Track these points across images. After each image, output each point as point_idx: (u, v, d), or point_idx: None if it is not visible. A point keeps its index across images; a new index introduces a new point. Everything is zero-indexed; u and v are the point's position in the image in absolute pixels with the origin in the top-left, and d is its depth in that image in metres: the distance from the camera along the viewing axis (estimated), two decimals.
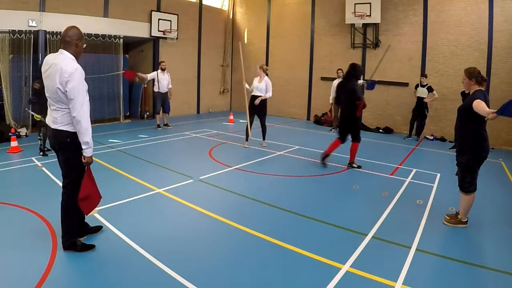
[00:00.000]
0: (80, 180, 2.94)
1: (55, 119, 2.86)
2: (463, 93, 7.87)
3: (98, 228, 3.47)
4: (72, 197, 2.96)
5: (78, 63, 2.87)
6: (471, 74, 3.77)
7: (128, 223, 3.73)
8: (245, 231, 3.68)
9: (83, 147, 2.82)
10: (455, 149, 6.31)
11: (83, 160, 2.88)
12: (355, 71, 6.11)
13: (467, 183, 3.82)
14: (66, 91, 2.71)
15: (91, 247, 3.13)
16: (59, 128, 2.85)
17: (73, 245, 3.04)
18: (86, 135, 2.78)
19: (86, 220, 3.38)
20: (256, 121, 7.85)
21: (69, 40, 2.80)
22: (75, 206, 2.98)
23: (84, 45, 2.95)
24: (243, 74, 7.82)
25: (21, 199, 4.20)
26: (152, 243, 3.31)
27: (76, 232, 3.11)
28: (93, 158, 3.01)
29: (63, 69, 2.69)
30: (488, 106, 3.67)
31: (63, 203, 3.01)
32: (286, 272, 2.94)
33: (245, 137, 7.90)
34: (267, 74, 7.77)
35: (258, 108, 7.60)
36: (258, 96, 7.50)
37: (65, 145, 2.88)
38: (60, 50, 2.84)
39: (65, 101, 2.77)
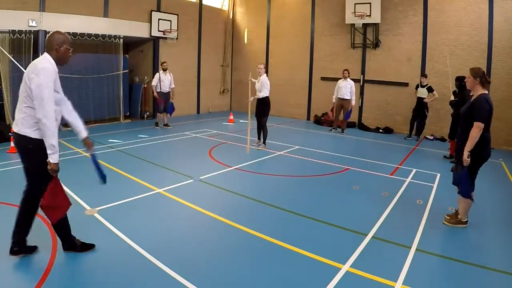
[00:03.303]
0: (41, 186, 2.77)
1: (16, 121, 2.73)
2: (454, 93, 7.70)
3: (33, 248, 3.02)
4: (29, 202, 2.87)
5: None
6: (476, 73, 3.74)
7: (128, 223, 3.73)
8: (245, 231, 3.68)
9: (48, 151, 2.62)
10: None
11: (48, 167, 2.66)
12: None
13: None
14: (31, 88, 2.59)
15: (91, 246, 3.13)
16: (20, 132, 2.69)
17: (72, 246, 3.04)
18: (52, 137, 2.60)
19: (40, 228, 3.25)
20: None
21: (49, 46, 2.75)
22: (29, 212, 2.90)
23: (71, 50, 2.85)
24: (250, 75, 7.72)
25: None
26: (152, 243, 3.31)
27: (70, 232, 3.03)
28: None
29: (34, 66, 2.64)
30: (492, 111, 3.67)
31: (20, 207, 2.89)
32: (286, 272, 2.94)
33: (257, 135, 7.86)
34: (266, 72, 7.67)
35: (257, 109, 7.49)
36: (257, 97, 7.38)
37: (27, 151, 2.73)
38: (44, 53, 2.79)
39: (31, 100, 2.63)
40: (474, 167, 3.76)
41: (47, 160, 2.67)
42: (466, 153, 3.58)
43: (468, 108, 3.73)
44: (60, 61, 2.81)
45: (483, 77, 3.73)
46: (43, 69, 2.62)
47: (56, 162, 2.68)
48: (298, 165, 6.57)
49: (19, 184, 5.00)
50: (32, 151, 2.71)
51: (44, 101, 2.58)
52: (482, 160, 3.74)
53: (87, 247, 3.12)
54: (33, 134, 2.67)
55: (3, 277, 2.69)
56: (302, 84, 12.62)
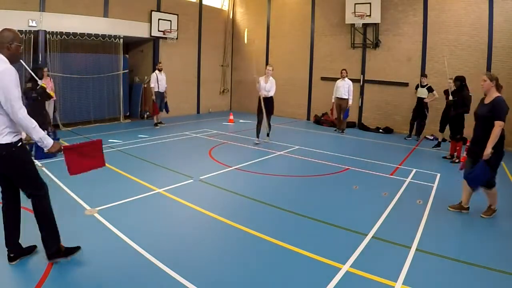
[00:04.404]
0: (40, 181, 2.81)
1: None
2: (452, 93, 7.50)
3: (33, 248, 3.02)
4: (43, 201, 2.81)
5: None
6: (493, 76, 4.06)
7: (128, 223, 3.73)
8: (245, 231, 3.68)
9: (39, 144, 2.70)
10: (438, 147, 7.21)
11: (52, 151, 2.73)
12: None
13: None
14: None
15: (76, 249, 2.98)
16: None
17: (58, 252, 2.88)
18: (36, 132, 2.62)
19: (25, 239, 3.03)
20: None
21: (0, 44, 2.62)
22: (50, 209, 2.85)
23: (21, 47, 2.76)
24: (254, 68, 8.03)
25: (21, 199, 4.19)
26: (152, 243, 3.31)
27: (59, 236, 2.90)
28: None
29: None
30: (507, 112, 3.98)
31: (38, 212, 2.80)
32: (286, 272, 2.94)
33: (256, 134, 8.19)
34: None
35: (266, 108, 7.92)
36: (266, 96, 7.88)
37: (2, 158, 2.62)
38: None
39: None
40: (497, 161, 4.07)
41: (45, 151, 2.71)
42: (490, 149, 3.90)
43: (489, 109, 3.99)
44: (12, 59, 2.69)
45: (497, 80, 4.04)
46: (5, 70, 2.53)
47: (51, 145, 2.70)
48: (298, 165, 6.57)
49: None
50: (7, 157, 2.62)
51: (14, 101, 2.51)
52: (502, 153, 4.07)
53: (73, 250, 2.96)
54: (4, 139, 2.58)
55: (3, 278, 2.70)
56: (302, 84, 12.61)
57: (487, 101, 4.09)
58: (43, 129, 2.79)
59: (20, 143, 2.71)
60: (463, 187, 4.37)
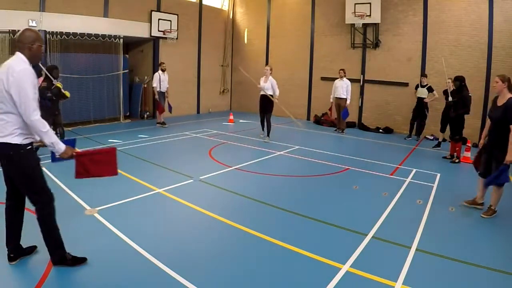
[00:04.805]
0: (44, 188, 2.75)
1: None
2: (451, 93, 7.37)
3: (33, 249, 3.03)
4: (46, 209, 2.75)
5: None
6: (505, 77, 4.08)
7: (128, 223, 3.73)
8: (245, 231, 3.68)
9: (50, 149, 2.66)
10: (438, 147, 7.19)
11: (63, 156, 2.71)
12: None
13: None
14: (12, 93, 2.47)
15: (82, 260, 2.92)
16: (0, 140, 2.56)
17: (63, 260, 2.85)
18: (48, 136, 2.59)
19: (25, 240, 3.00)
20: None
21: (21, 44, 2.61)
22: (53, 218, 2.79)
23: (42, 48, 2.74)
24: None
25: (26, 201, 4.18)
26: (152, 243, 3.31)
27: (63, 245, 2.86)
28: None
29: (11, 68, 2.51)
30: None
31: (40, 220, 2.74)
32: (286, 272, 2.94)
33: (261, 127, 8.79)
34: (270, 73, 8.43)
35: (265, 106, 8.25)
36: (267, 95, 8.15)
37: (10, 159, 2.59)
38: (16, 52, 2.64)
39: (10, 106, 2.52)
40: None
41: (56, 156, 2.69)
42: (511, 156, 3.89)
43: (502, 112, 3.99)
44: (33, 59, 2.68)
45: (510, 81, 4.06)
46: (23, 71, 2.52)
47: (63, 150, 2.68)
48: (298, 165, 6.57)
49: None
50: (14, 157, 2.59)
51: (28, 102, 2.49)
52: None
53: (79, 260, 2.90)
54: (13, 140, 2.56)
55: (2, 278, 2.70)
56: (302, 84, 12.61)
57: (500, 103, 4.10)
58: (55, 129, 2.77)
59: (30, 146, 2.66)
60: (478, 183, 4.43)
